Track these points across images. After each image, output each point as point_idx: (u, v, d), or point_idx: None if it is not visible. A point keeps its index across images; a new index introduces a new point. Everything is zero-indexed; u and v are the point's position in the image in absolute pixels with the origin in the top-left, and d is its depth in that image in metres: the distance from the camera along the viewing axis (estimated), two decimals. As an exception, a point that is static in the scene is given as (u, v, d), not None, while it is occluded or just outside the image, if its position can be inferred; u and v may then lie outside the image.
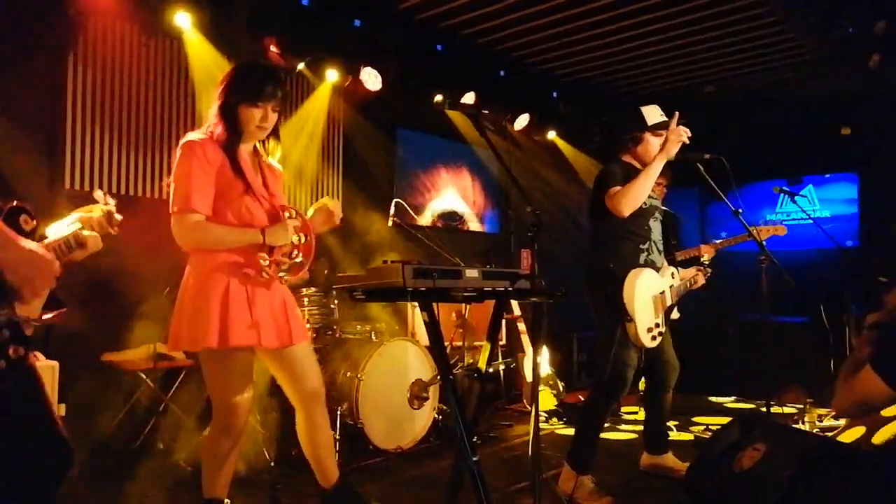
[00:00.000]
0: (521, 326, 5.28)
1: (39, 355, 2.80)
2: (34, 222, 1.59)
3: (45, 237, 1.65)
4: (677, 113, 3.08)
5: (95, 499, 3.05)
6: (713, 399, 5.84)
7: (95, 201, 1.84)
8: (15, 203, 1.56)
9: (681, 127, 3.06)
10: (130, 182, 4.26)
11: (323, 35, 4.46)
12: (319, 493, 2.54)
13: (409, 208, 4.24)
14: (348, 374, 3.83)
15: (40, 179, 3.73)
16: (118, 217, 1.87)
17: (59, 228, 1.72)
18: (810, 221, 6.57)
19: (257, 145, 2.41)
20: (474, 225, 6.67)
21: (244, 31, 4.07)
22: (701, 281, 3.52)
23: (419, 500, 3.19)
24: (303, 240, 2.33)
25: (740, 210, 3.34)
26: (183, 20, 4.07)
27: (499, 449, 4.09)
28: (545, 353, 5.19)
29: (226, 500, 2.34)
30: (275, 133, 2.41)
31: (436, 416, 4.15)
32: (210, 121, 2.29)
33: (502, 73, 5.72)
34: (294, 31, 4.35)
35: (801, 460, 2.39)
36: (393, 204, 4.36)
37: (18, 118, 3.64)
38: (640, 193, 3.01)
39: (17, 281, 1.44)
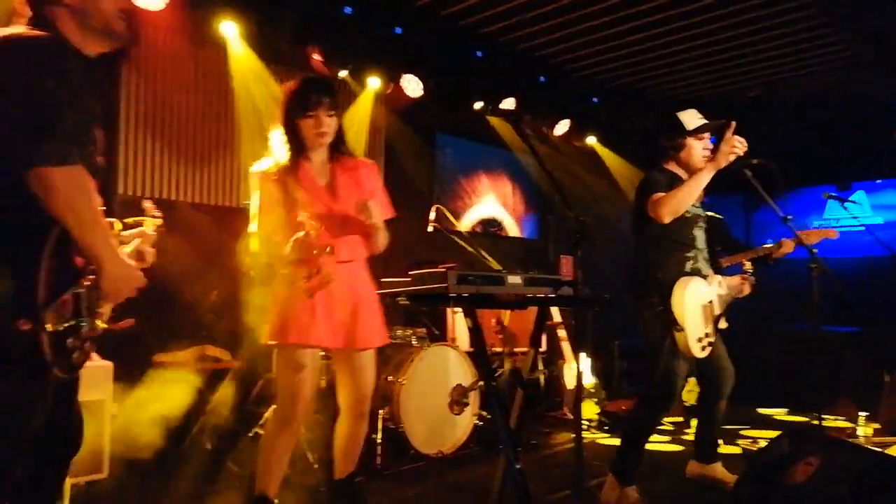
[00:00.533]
0: (562, 333, 5.24)
1: (94, 355, 2.90)
2: (115, 238, 1.80)
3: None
4: (733, 123, 2.98)
5: (143, 499, 3.13)
6: (761, 411, 5.69)
7: (143, 208, 2.05)
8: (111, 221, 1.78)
9: (736, 137, 2.97)
10: (181, 188, 4.39)
11: (365, 43, 4.52)
12: (329, 481, 2.65)
13: (448, 214, 4.26)
14: (390, 378, 3.86)
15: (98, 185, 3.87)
16: (160, 223, 2.06)
17: (125, 242, 1.93)
18: (861, 228, 6.39)
19: (333, 152, 2.50)
20: (513, 231, 6.65)
21: (289, 40, 4.15)
22: (747, 290, 3.44)
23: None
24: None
25: (789, 217, 3.26)
26: (229, 30, 4.18)
27: (539, 456, 4.06)
28: (586, 361, 5.14)
29: (275, 501, 2.40)
30: (341, 139, 2.49)
31: (476, 421, 4.14)
32: (278, 136, 2.44)
33: (542, 78, 5.70)
34: (337, 39, 4.41)
35: (858, 476, 2.32)
36: (433, 209, 4.39)
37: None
38: (682, 202, 2.96)
39: (110, 290, 1.66)
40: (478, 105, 5.03)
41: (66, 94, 1.54)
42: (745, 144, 2.99)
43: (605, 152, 6.79)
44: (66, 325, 1.55)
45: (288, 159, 2.40)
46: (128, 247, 1.90)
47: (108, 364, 3.10)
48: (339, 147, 2.50)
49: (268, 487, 2.40)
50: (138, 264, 1.91)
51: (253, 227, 2.43)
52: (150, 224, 2.03)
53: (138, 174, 4.20)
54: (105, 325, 1.74)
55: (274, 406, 2.46)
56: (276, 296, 2.41)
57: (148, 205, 2.08)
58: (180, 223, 4.12)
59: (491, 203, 6.41)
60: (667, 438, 4.56)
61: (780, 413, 5.65)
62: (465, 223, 6.09)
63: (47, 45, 1.61)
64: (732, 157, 2.97)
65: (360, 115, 5.11)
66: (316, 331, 2.32)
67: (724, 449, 4.16)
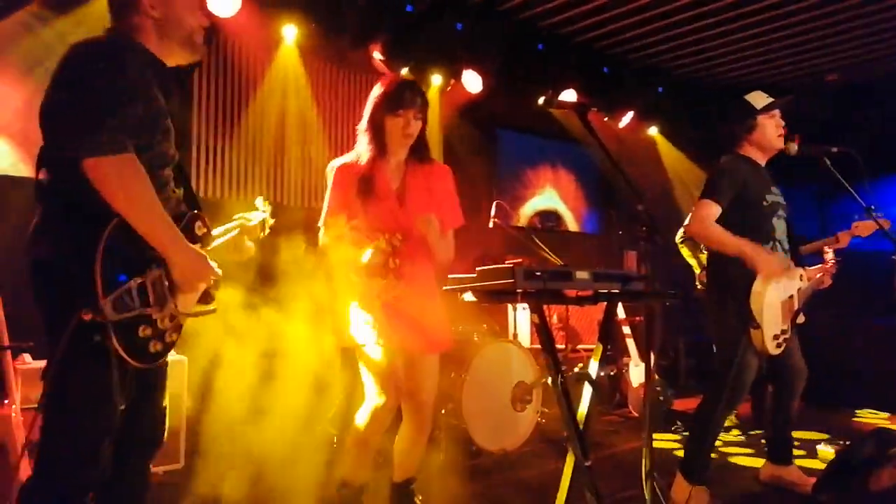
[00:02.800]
0: (626, 330, 5.13)
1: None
2: (205, 228, 1.84)
3: (212, 242, 1.89)
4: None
5: (223, 490, 3.23)
6: (843, 410, 5.42)
7: (255, 209, 2.10)
8: (194, 212, 1.81)
9: (780, 255, 2.97)
10: (252, 188, 4.53)
11: (425, 40, 4.53)
12: (390, 483, 2.66)
13: (509, 209, 4.24)
14: (452, 374, 3.87)
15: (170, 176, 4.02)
16: (271, 221, 2.13)
17: (224, 233, 1.97)
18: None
19: (410, 156, 2.51)
20: (571, 224, 6.56)
21: (352, 40, 4.20)
22: (828, 281, 3.28)
23: (524, 502, 3.17)
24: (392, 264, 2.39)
25: (873, 207, 3.09)
26: (292, 33, 4.26)
27: (605, 455, 3.99)
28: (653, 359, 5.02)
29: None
30: (423, 143, 2.50)
31: (539, 419, 4.11)
32: (360, 130, 2.48)
33: (605, 69, 5.60)
34: (398, 37, 4.44)
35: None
36: (494, 205, 4.37)
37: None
38: (713, 245, 2.95)
39: (181, 280, 1.67)
40: (540, 100, 4.96)
41: (120, 87, 1.56)
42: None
43: (664, 143, 6.61)
44: (133, 314, 1.56)
45: (368, 159, 2.42)
46: (219, 239, 1.93)
47: (183, 358, 3.22)
48: (418, 152, 2.50)
49: (357, 476, 2.56)
50: (238, 255, 1.98)
51: (322, 217, 2.47)
52: (257, 217, 2.08)
53: (210, 174, 4.35)
54: (185, 314, 1.73)
55: (372, 403, 2.48)
56: (347, 299, 2.44)
57: (259, 201, 2.15)
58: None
59: (550, 195, 6.34)
60: (742, 446, 4.41)
61: (864, 413, 5.38)
62: (525, 215, 6.05)
63: (105, 42, 1.66)
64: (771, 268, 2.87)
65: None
66: (387, 333, 2.36)
67: (799, 452, 3.99)
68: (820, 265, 3.38)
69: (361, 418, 2.50)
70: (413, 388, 2.51)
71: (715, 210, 2.92)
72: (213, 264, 1.76)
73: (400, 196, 2.44)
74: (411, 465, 2.64)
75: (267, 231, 2.14)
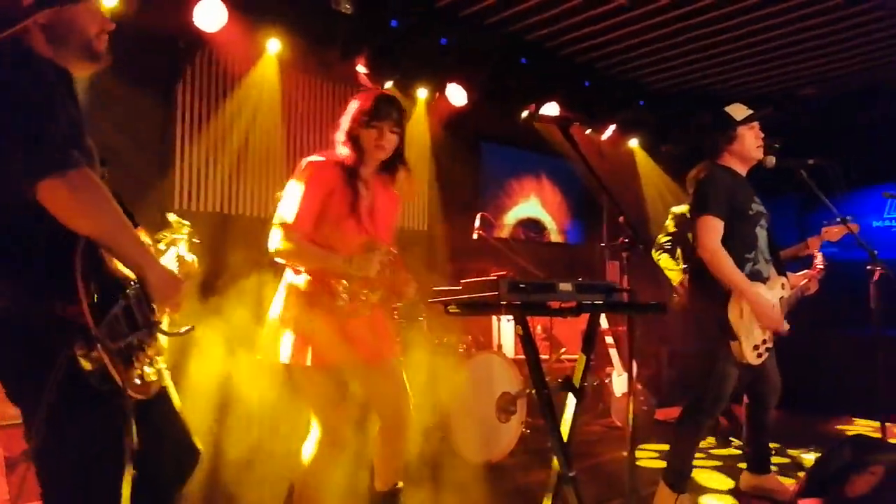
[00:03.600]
0: (609, 340, 5.17)
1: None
2: (149, 240, 1.72)
3: (160, 254, 1.79)
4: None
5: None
6: (819, 419, 5.50)
7: (169, 221, 1.96)
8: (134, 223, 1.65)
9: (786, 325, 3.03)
10: (234, 201, 4.53)
11: (410, 54, 4.58)
12: (371, 491, 2.56)
13: (493, 221, 4.27)
14: (435, 387, 3.88)
15: (153, 200, 4.01)
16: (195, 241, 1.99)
17: (167, 255, 1.85)
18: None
19: (380, 170, 2.48)
20: (555, 235, 6.61)
21: (338, 54, 4.23)
22: (814, 287, 3.32)
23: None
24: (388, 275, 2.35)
25: (848, 217, 3.17)
26: (277, 47, 4.27)
27: (589, 465, 4.02)
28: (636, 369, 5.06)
29: None
30: (400, 156, 2.49)
31: (523, 430, 4.13)
32: (337, 141, 2.41)
33: (587, 83, 5.68)
34: (383, 52, 4.48)
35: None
36: (478, 217, 4.41)
37: (133, 144, 3.93)
38: (720, 275, 2.91)
39: (159, 298, 1.55)
40: (524, 114, 5.02)
41: (48, 97, 1.38)
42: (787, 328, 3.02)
43: (642, 156, 6.69)
44: (125, 342, 1.41)
45: (344, 168, 2.36)
46: (166, 255, 1.81)
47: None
48: (389, 168, 2.49)
49: None
50: (182, 270, 1.82)
51: (286, 215, 2.26)
52: (179, 231, 1.94)
53: (193, 188, 4.35)
54: (168, 333, 1.62)
55: (315, 436, 2.34)
56: (299, 311, 2.27)
57: (172, 216, 1.98)
58: (233, 234, 4.25)
59: (533, 204, 6.40)
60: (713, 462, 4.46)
61: (840, 422, 5.46)
62: (508, 223, 6.11)
63: (9, 48, 1.45)
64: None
65: (410, 126, 5.17)
66: (343, 349, 2.25)
67: (778, 459, 4.05)
68: (805, 271, 3.43)
69: (320, 452, 2.32)
70: (382, 397, 2.44)
71: (719, 225, 2.92)
72: (184, 281, 1.65)
73: (370, 212, 2.41)
74: (395, 472, 2.54)
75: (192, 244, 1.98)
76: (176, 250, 1.86)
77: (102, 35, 1.63)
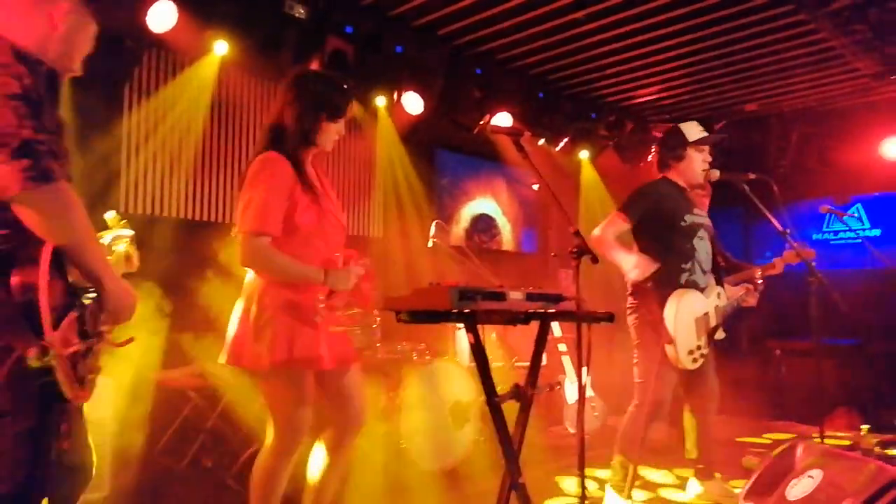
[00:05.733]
0: (562, 347, 5.24)
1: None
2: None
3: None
4: None
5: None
6: (762, 425, 5.67)
7: (106, 220, 1.93)
8: None
9: None
10: (182, 205, 4.42)
11: (366, 61, 4.56)
12: None
13: (447, 229, 4.28)
14: (390, 393, 3.85)
15: (100, 204, 3.89)
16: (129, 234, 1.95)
17: (112, 247, 1.85)
18: (859, 241, 6.41)
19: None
20: (510, 243, 6.67)
21: (290, 58, 4.18)
22: (752, 300, 3.44)
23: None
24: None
25: (788, 230, 3.29)
26: (223, 48, 4.17)
27: (540, 472, 4.05)
28: (588, 377, 5.13)
29: None
30: None
31: (477, 436, 4.13)
32: (286, 130, 2.27)
33: (540, 94, 5.76)
34: (336, 58, 4.45)
35: (860, 489, 2.32)
36: (433, 225, 4.41)
37: (79, 148, 3.81)
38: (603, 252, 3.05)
39: (114, 308, 1.59)
40: (477, 123, 5.06)
41: (27, 103, 1.38)
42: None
43: (588, 169, 6.81)
44: (75, 349, 1.46)
45: (293, 154, 2.25)
46: (113, 255, 1.82)
47: (108, 381, 3.10)
48: (320, 159, 2.49)
49: None
50: (126, 267, 1.85)
51: (253, 222, 2.14)
52: (119, 228, 1.91)
53: (139, 192, 4.23)
54: (114, 343, 1.65)
55: (269, 439, 2.27)
56: (259, 312, 2.17)
57: (110, 215, 1.93)
58: (189, 240, 4.16)
59: (486, 202, 6.46)
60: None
61: (779, 427, 5.64)
62: (461, 223, 6.15)
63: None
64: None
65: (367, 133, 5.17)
66: (320, 351, 2.19)
67: (725, 463, 4.15)
68: (745, 284, 3.54)
69: (271, 458, 2.25)
70: (344, 405, 2.37)
71: (620, 224, 3.16)
72: (133, 291, 1.67)
73: (326, 196, 2.37)
74: (332, 493, 2.42)
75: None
76: (122, 248, 1.86)
77: (88, 42, 1.69)
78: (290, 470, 2.29)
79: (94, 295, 1.55)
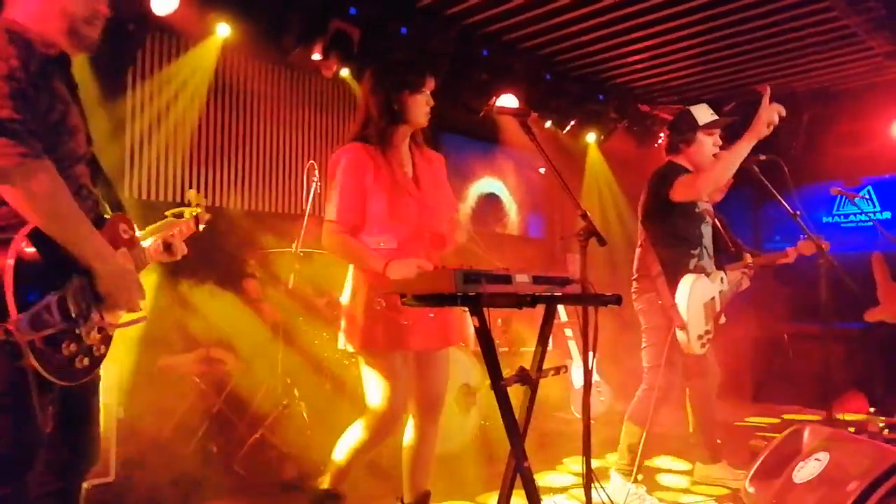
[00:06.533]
0: (569, 332, 5.22)
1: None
2: (131, 232, 1.70)
3: (140, 245, 1.76)
4: (768, 88, 2.88)
5: (149, 502, 3.13)
6: (770, 408, 5.65)
7: (186, 203, 1.96)
8: (117, 214, 1.69)
9: (775, 105, 2.85)
10: (186, 188, 4.40)
11: (370, 43, 4.51)
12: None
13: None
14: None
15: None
16: (206, 216, 1.99)
17: (152, 233, 1.85)
18: (870, 224, 6.34)
19: (413, 141, 2.46)
20: (517, 230, 6.64)
21: (293, 41, 4.14)
22: (746, 284, 3.43)
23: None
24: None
25: (798, 212, 3.24)
26: (225, 30, 4.13)
27: (545, 456, 4.05)
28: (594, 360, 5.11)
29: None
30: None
31: (482, 421, 4.13)
32: (371, 119, 2.35)
33: (547, 76, 5.69)
34: (340, 39, 4.40)
35: (867, 472, 2.30)
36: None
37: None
38: (723, 173, 2.93)
39: (106, 292, 1.54)
40: (483, 106, 5.01)
41: (12, 85, 1.38)
42: (784, 111, 2.87)
43: (595, 152, 6.75)
44: (53, 330, 1.41)
45: (379, 142, 2.32)
46: (147, 241, 1.79)
47: (114, 367, 3.10)
48: (416, 136, 2.47)
49: (341, 484, 2.41)
50: (166, 256, 1.84)
51: (330, 212, 2.32)
52: (189, 213, 1.94)
53: (144, 177, 4.22)
54: (113, 325, 1.62)
55: (364, 419, 2.37)
56: (362, 299, 2.30)
57: (192, 192, 1.98)
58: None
59: (493, 182, 6.42)
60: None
61: (788, 410, 5.62)
62: (469, 196, 6.11)
63: None
64: (771, 128, 2.85)
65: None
66: (407, 333, 2.27)
67: (732, 447, 4.13)
68: (740, 263, 3.51)
69: (366, 428, 2.35)
70: (425, 385, 2.43)
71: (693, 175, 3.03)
72: (138, 279, 1.66)
73: (416, 181, 2.39)
74: (426, 478, 2.52)
75: (202, 226, 2.00)
76: (162, 235, 1.84)
77: (95, 20, 1.61)
78: (377, 447, 2.39)
79: (81, 276, 1.50)
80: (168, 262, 1.89)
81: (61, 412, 1.57)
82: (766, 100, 2.86)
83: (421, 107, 2.36)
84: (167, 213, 1.93)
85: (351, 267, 2.41)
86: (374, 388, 2.34)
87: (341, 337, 2.41)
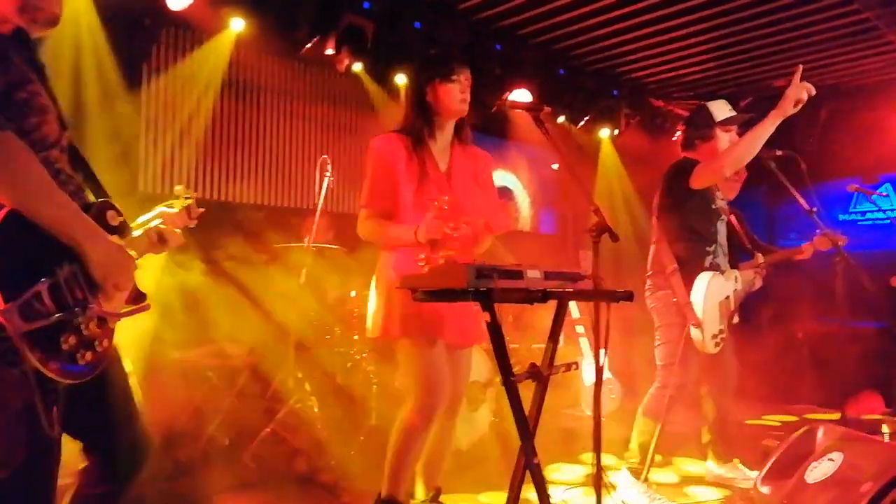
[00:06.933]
0: (580, 329, 5.19)
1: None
2: (121, 218, 1.59)
3: (131, 233, 1.65)
4: (800, 67, 2.79)
5: (162, 497, 3.15)
6: (784, 407, 5.59)
7: (175, 197, 1.84)
8: (102, 200, 1.57)
9: (805, 83, 2.75)
10: (199, 183, 4.43)
11: (384, 38, 4.50)
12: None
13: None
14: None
15: (118, 183, 3.89)
16: (198, 210, 1.87)
17: (143, 225, 1.72)
18: (888, 222, 6.25)
19: (456, 136, 2.45)
20: (529, 226, 6.61)
21: (307, 35, 4.14)
22: (759, 283, 3.39)
23: (480, 501, 3.18)
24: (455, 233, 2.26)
25: (815, 209, 3.20)
26: (239, 25, 4.14)
27: (558, 453, 4.03)
28: (605, 358, 5.09)
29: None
30: (465, 122, 2.46)
31: (492, 417, 4.12)
32: (406, 112, 2.40)
33: (561, 71, 5.65)
34: (354, 34, 4.40)
35: (881, 472, 2.27)
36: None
37: (98, 127, 3.82)
38: (746, 152, 2.84)
39: (101, 275, 1.43)
40: (496, 100, 4.99)
41: None
42: (814, 90, 2.77)
43: (608, 147, 6.71)
44: (47, 321, 1.30)
45: (414, 136, 2.34)
46: (139, 230, 1.67)
47: (125, 360, 3.12)
48: (461, 131, 2.46)
49: (398, 491, 2.36)
50: (159, 247, 1.70)
51: (363, 199, 2.39)
52: (179, 205, 1.81)
53: (157, 171, 4.24)
54: (114, 314, 1.51)
55: (407, 408, 2.35)
56: (391, 285, 2.26)
57: (180, 189, 1.86)
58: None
59: (505, 176, 6.40)
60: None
61: (802, 409, 5.56)
62: None
63: None
64: (799, 106, 2.77)
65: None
66: (442, 322, 2.29)
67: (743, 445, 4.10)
68: (752, 262, 3.47)
69: (409, 423, 2.33)
70: (450, 379, 2.41)
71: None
72: (132, 257, 1.54)
73: (448, 178, 2.38)
74: (438, 474, 2.53)
75: (195, 220, 1.87)
76: (156, 224, 1.72)
77: None
78: (424, 439, 2.36)
79: (72, 263, 1.39)
80: (162, 252, 1.76)
81: (76, 417, 1.45)
82: (797, 77, 2.77)
83: (453, 95, 2.34)
84: (157, 206, 1.81)
85: (379, 259, 2.42)
86: (412, 377, 2.33)
87: (372, 327, 2.40)
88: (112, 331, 1.53)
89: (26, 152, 1.33)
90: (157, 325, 3.56)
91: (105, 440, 1.57)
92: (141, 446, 1.63)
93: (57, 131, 1.49)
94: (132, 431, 1.62)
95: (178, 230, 1.77)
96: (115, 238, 1.52)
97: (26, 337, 1.26)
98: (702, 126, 3.16)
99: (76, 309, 1.37)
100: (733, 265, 3.27)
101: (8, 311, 1.24)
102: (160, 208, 1.78)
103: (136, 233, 1.66)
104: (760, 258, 3.49)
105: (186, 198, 1.85)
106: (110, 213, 1.55)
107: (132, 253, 1.57)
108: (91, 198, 1.59)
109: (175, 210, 1.79)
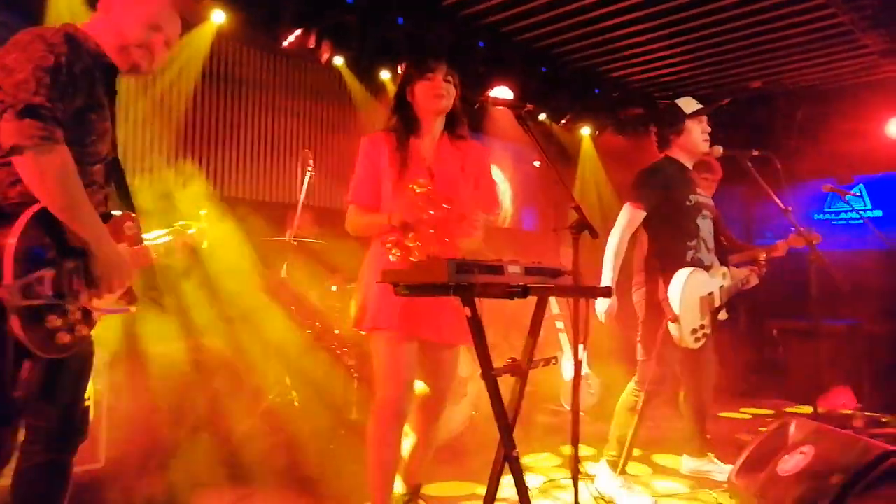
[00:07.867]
0: (559, 325, 5.24)
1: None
2: (136, 229, 1.85)
3: (142, 242, 1.91)
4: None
5: (142, 491, 3.13)
6: (759, 402, 5.70)
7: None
8: (124, 213, 1.83)
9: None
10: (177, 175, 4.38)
11: (367, 33, 4.49)
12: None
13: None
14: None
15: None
16: (207, 240, 2.15)
17: (156, 237, 1.99)
18: (861, 221, 6.38)
19: (445, 131, 2.45)
20: (511, 222, 6.64)
21: (289, 29, 4.12)
22: (754, 281, 3.43)
23: (459, 493, 3.20)
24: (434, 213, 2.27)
25: (790, 208, 3.26)
26: (220, 18, 4.11)
27: (537, 447, 4.07)
28: (584, 353, 5.13)
29: None
30: (458, 117, 2.46)
31: (473, 412, 4.14)
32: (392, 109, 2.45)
33: (543, 69, 5.68)
34: (337, 29, 4.38)
35: (850, 465, 2.33)
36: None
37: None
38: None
39: (101, 274, 1.67)
40: (478, 97, 4.99)
41: (53, 77, 1.53)
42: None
43: (588, 145, 6.76)
44: (39, 302, 1.53)
45: (396, 130, 2.38)
46: (150, 241, 1.93)
47: (104, 354, 3.10)
48: (452, 126, 2.45)
49: (412, 484, 2.42)
50: (165, 259, 1.97)
51: (349, 195, 2.43)
52: (197, 227, 2.10)
53: (137, 162, 4.20)
54: (98, 309, 1.71)
55: (373, 408, 2.36)
56: (370, 277, 2.31)
57: (204, 216, 2.17)
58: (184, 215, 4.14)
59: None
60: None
61: (775, 404, 5.67)
62: None
63: (49, 32, 1.62)
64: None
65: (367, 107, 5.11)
66: (412, 319, 2.28)
67: (718, 440, 4.17)
68: (749, 266, 3.52)
69: (372, 418, 2.34)
70: (431, 381, 2.45)
71: (636, 214, 3.07)
72: (131, 267, 1.78)
73: (430, 169, 2.37)
74: (419, 472, 2.54)
75: (204, 245, 2.15)
76: (165, 241, 2.00)
77: (143, 46, 1.77)
78: (398, 435, 2.35)
79: (78, 259, 1.63)
80: (169, 264, 2.08)
81: (46, 382, 1.64)
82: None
83: (427, 91, 2.36)
84: (176, 224, 2.08)
85: (368, 254, 2.44)
86: (377, 369, 2.34)
87: (354, 319, 2.45)
88: (94, 323, 1.72)
89: (73, 168, 1.57)
90: (136, 319, 3.54)
91: (61, 406, 1.74)
92: (86, 419, 1.82)
93: (107, 151, 1.76)
94: (82, 403, 1.80)
95: (184, 252, 2.07)
96: (124, 245, 1.78)
97: (18, 309, 1.48)
98: (673, 121, 3.21)
99: (68, 297, 1.59)
100: (722, 261, 3.30)
101: (10, 287, 1.47)
102: (178, 226, 2.07)
103: (148, 243, 1.92)
104: (762, 255, 3.54)
105: (203, 224, 2.15)
106: (127, 224, 1.83)
107: (153, 254, 1.87)
108: (117, 209, 1.85)
109: (192, 231, 2.09)
